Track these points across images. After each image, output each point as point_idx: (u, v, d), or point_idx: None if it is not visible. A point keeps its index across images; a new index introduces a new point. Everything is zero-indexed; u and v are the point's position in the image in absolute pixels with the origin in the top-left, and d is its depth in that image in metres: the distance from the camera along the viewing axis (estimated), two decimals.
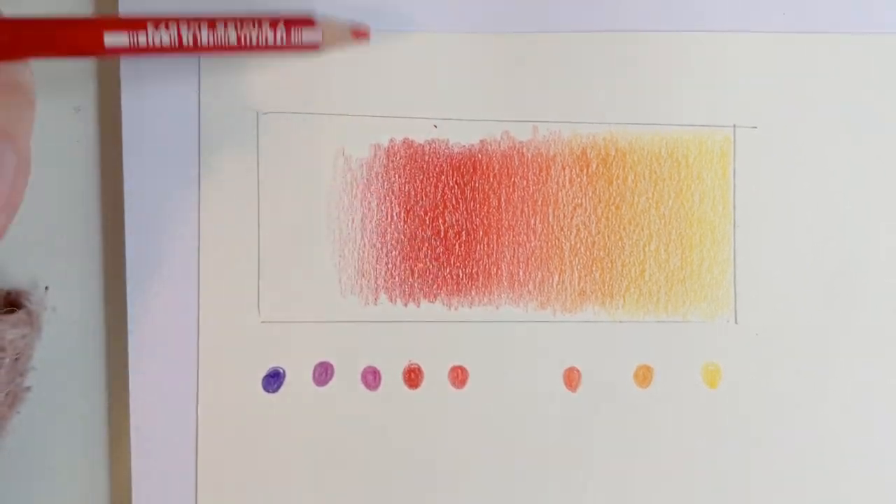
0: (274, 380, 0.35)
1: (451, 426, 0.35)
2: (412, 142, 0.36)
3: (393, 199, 0.36)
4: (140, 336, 0.35)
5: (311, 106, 0.35)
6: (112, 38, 0.29)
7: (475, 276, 0.36)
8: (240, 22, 0.30)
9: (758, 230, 0.36)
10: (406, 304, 0.35)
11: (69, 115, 0.35)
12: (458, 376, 0.35)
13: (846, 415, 0.36)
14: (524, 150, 0.36)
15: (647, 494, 0.35)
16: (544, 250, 0.36)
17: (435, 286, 0.35)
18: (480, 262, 0.36)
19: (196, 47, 0.30)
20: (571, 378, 0.36)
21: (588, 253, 0.36)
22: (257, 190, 0.35)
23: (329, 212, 0.35)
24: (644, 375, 0.36)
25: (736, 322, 0.36)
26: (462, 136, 0.36)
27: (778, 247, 0.36)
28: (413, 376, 0.35)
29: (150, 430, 0.35)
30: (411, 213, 0.36)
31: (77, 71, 0.36)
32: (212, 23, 0.30)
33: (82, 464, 0.36)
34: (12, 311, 0.33)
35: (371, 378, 0.35)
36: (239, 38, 0.30)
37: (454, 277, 0.36)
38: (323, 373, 0.35)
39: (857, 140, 0.36)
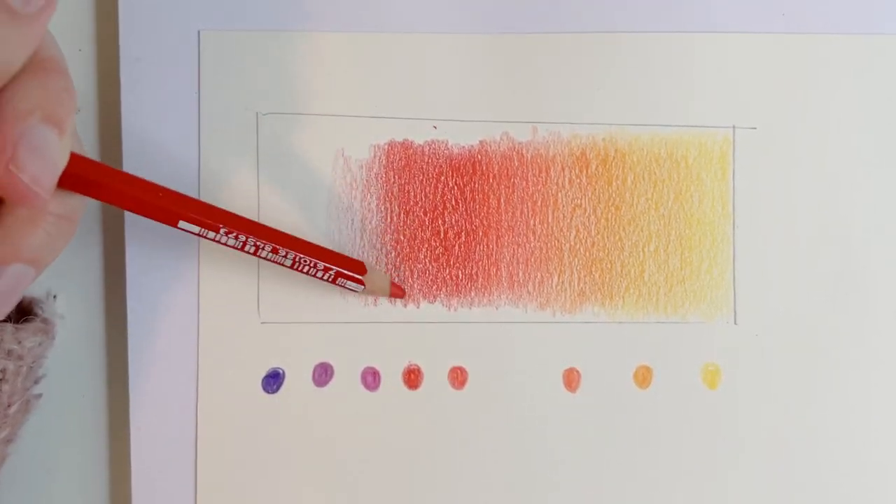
0: (274, 380, 0.35)
1: (451, 426, 0.35)
2: (412, 143, 0.36)
3: (392, 199, 0.36)
4: (140, 337, 0.35)
5: (311, 106, 0.35)
6: (185, 225, 0.31)
7: (475, 276, 0.36)
8: (298, 257, 0.32)
9: (758, 230, 0.36)
10: (406, 305, 0.35)
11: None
12: (458, 377, 0.35)
13: (846, 415, 0.36)
14: (524, 150, 0.36)
15: (647, 494, 0.35)
16: (544, 251, 0.36)
17: (434, 287, 0.36)
18: (480, 263, 0.36)
19: (254, 255, 0.32)
20: (571, 378, 0.36)
21: (587, 253, 0.36)
22: (257, 190, 0.35)
23: (329, 212, 0.35)
24: (644, 376, 0.36)
25: (735, 323, 0.36)
26: (461, 137, 0.36)
27: (778, 247, 0.36)
28: (413, 377, 0.35)
29: (150, 430, 0.35)
30: (411, 213, 0.36)
31: (77, 71, 0.36)
32: (275, 248, 0.32)
33: (82, 464, 0.36)
34: (28, 320, 0.33)
35: (371, 379, 0.35)
36: (293, 265, 0.33)
37: (454, 278, 0.36)
38: (323, 373, 0.35)
39: (857, 140, 0.36)
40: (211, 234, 0.31)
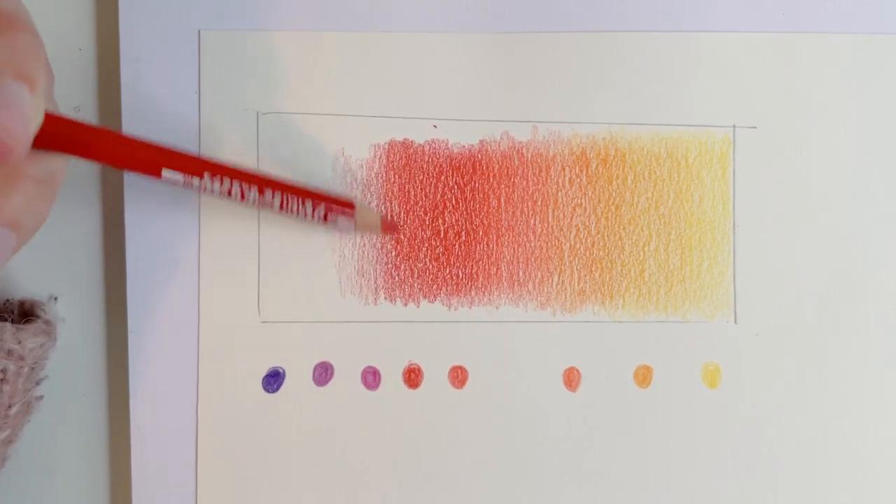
0: (274, 380, 0.35)
1: (451, 426, 0.35)
2: (412, 142, 0.36)
3: (393, 199, 0.36)
4: (140, 336, 0.35)
5: (311, 106, 0.35)
6: (169, 174, 0.30)
7: (475, 276, 0.36)
8: (286, 195, 0.32)
9: (758, 230, 0.36)
10: (406, 304, 0.35)
11: (69, 115, 0.35)
12: (458, 376, 0.35)
13: (845, 414, 0.36)
14: (524, 150, 0.36)
15: (646, 494, 0.35)
16: (544, 250, 0.36)
17: (435, 286, 0.36)
18: (480, 263, 0.36)
19: (240, 200, 0.32)
20: (571, 378, 0.36)
21: (588, 253, 0.36)
22: None
23: None
24: (644, 375, 0.36)
25: (736, 322, 0.36)
26: (462, 137, 0.36)
27: (778, 247, 0.36)
28: (413, 376, 0.35)
29: (150, 430, 0.35)
30: (411, 213, 0.36)
31: (77, 71, 0.36)
32: (261, 189, 0.32)
33: (83, 464, 0.36)
34: (30, 321, 0.33)
35: (371, 378, 0.35)
36: (281, 205, 0.32)
37: (454, 277, 0.36)
38: (323, 373, 0.35)
39: (857, 140, 0.36)
40: (196, 182, 0.31)
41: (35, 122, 0.27)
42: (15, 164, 0.27)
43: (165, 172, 0.30)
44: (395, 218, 0.35)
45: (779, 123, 0.36)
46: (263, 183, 0.32)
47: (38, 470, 0.35)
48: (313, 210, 0.33)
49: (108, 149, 0.30)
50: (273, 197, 0.32)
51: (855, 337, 0.36)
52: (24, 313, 0.34)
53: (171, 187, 0.32)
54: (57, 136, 0.29)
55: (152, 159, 0.30)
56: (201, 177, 0.31)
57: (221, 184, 0.31)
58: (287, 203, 0.32)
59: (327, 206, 0.33)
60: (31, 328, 0.33)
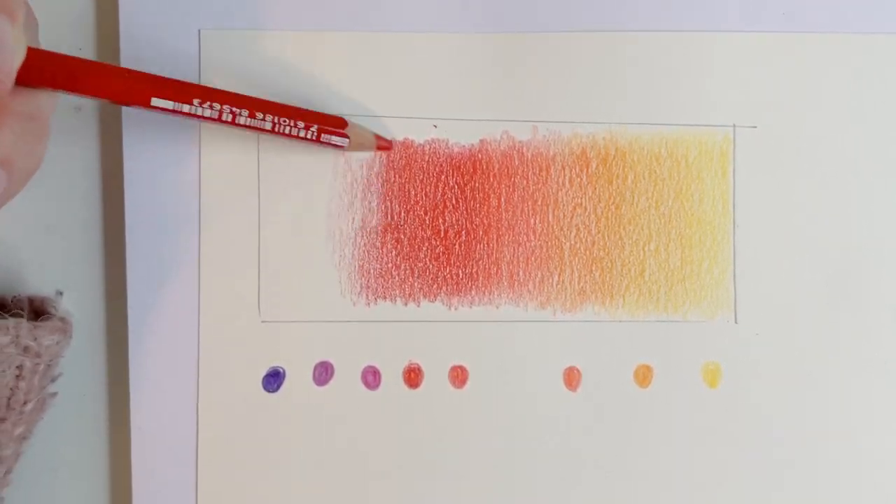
0: (274, 379, 0.35)
1: (451, 426, 0.35)
2: (412, 142, 0.36)
3: (393, 198, 0.36)
4: (140, 336, 0.35)
5: (311, 106, 0.35)
6: (158, 102, 0.30)
7: (475, 275, 0.36)
8: (277, 119, 0.32)
9: (758, 230, 0.36)
10: (406, 304, 0.35)
11: (69, 115, 0.35)
12: (458, 376, 0.35)
13: (845, 414, 0.36)
14: (524, 149, 0.36)
15: (647, 494, 0.35)
16: (544, 250, 0.36)
17: (435, 286, 0.36)
18: (480, 262, 0.36)
19: (232, 124, 0.32)
20: (571, 378, 0.36)
21: (588, 252, 0.36)
22: (257, 189, 0.35)
23: (329, 212, 0.35)
24: (644, 375, 0.36)
25: (736, 322, 0.36)
26: (462, 136, 0.36)
27: (778, 247, 0.36)
28: (413, 376, 0.35)
29: (150, 430, 0.35)
30: (411, 212, 0.36)
31: None
32: (252, 112, 0.32)
33: (83, 463, 0.36)
34: (46, 318, 0.33)
35: (371, 378, 0.35)
36: (273, 127, 0.32)
37: (454, 277, 0.36)
38: (323, 372, 0.35)
39: (857, 140, 0.36)
40: (185, 108, 0.31)
41: (18, 56, 0.26)
42: (0, 99, 0.27)
43: (155, 101, 0.30)
44: (396, 218, 0.36)
45: (779, 123, 0.36)
46: (254, 106, 0.32)
47: (39, 469, 0.35)
48: (306, 130, 0.33)
49: (93, 81, 0.30)
50: (264, 119, 0.32)
51: (855, 336, 0.36)
52: (36, 311, 0.34)
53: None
54: (42, 70, 0.28)
55: (140, 88, 0.30)
56: (191, 103, 0.31)
57: (212, 109, 0.31)
58: (279, 125, 0.32)
59: (319, 126, 0.33)
60: (47, 325, 0.33)
